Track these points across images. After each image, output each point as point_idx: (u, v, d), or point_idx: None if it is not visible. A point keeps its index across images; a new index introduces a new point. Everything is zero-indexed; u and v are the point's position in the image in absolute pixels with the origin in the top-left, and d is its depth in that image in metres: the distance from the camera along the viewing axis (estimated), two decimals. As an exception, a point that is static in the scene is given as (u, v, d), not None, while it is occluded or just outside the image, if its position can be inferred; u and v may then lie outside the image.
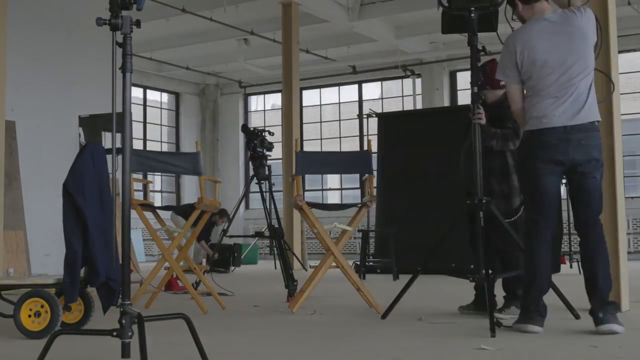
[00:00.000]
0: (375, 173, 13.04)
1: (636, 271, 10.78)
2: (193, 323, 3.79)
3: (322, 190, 20.36)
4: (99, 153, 4.90)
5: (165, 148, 20.47)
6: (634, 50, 15.09)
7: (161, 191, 20.59)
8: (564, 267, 11.34)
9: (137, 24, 3.53)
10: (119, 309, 3.41)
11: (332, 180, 20.32)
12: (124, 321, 3.36)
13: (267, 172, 7.93)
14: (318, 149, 19.75)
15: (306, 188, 20.04)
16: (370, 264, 11.68)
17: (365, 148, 6.52)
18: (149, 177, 18.53)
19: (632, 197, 15.78)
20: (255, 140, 7.82)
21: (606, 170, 5.76)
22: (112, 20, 3.46)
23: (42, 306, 4.74)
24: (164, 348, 4.26)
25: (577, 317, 5.30)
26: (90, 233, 4.76)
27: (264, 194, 8.04)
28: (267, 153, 7.95)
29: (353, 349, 4.30)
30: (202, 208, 6.40)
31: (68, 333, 3.81)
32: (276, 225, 7.94)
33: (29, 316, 4.75)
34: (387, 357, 3.97)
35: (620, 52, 15.51)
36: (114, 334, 3.37)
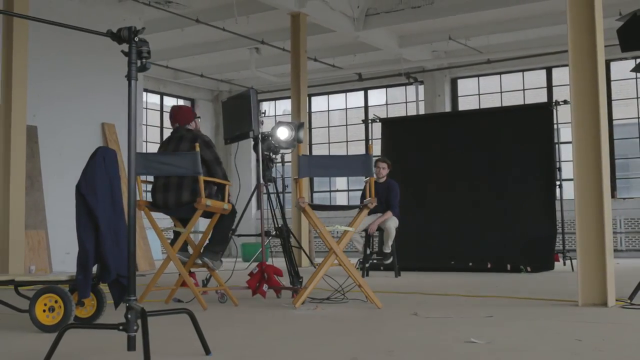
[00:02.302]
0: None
1: (628, 268, 10.80)
2: (196, 318, 3.81)
3: (330, 191, 20.37)
4: (110, 156, 4.91)
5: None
6: (626, 58, 15.04)
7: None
8: (558, 265, 11.33)
9: (139, 32, 3.54)
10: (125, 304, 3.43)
11: (340, 182, 20.33)
12: (129, 316, 3.38)
13: (273, 174, 7.91)
14: (326, 153, 19.77)
15: (315, 189, 20.06)
16: (374, 261, 11.66)
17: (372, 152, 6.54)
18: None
19: (625, 198, 15.74)
20: (262, 144, 7.81)
21: (593, 171, 5.79)
22: (117, 32, 3.48)
23: (56, 301, 4.76)
24: (168, 341, 4.27)
25: None
26: (102, 232, 4.77)
27: (271, 195, 8.02)
28: (274, 156, 7.94)
29: (350, 343, 4.30)
30: (201, 208, 6.36)
31: (78, 327, 3.82)
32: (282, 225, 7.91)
33: (44, 311, 4.77)
34: (381, 350, 3.97)
35: (613, 60, 15.58)
36: (120, 328, 3.38)
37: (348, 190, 20.18)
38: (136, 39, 3.51)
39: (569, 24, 5.99)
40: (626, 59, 15.11)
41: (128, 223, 3.51)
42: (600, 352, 3.74)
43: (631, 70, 6.90)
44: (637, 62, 6.92)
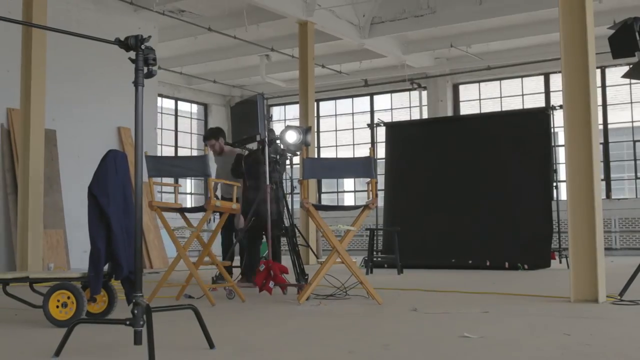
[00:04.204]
0: (384, 177, 13.10)
1: (623, 267, 10.73)
2: (203, 314, 3.83)
3: (337, 192, 20.37)
4: (121, 158, 4.93)
5: (195, 154, 20.53)
6: (621, 65, 14.99)
7: (191, 193, 20.65)
8: (554, 263, 11.31)
9: (146, 40, 3.55)
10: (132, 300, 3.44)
11: (347, 183, 20.34)
12: (136, 311, 3.39)
13: (279, 176, 7.91)
14: (333, 155, 19.77)
15: (322, 190, 20.05)
16: (378, 259, 11.67)
17: (375, 154, 6.55)
18: (180, 181, 18.59)
19: (619, 199, 15.70)
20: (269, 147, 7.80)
21: (585, 173, 5.78)
22: (125, 40, 3.50)
23: (68, 297, 4.77)
24: (174, 336, 4.28)
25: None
26: (114, 232, 4.79)
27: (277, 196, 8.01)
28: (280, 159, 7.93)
29: (349, 337, 4.30)
30: (211, 209, 6.37)
31: (87, 322, 3.84)
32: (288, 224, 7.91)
33: (57, 307, 4.79)
34: (378, 343, 3.97)
35: (608, 67, 15.52)
36: (127, 323, 3.39)
37: (355, 191, 20.17)
38: (143, 46, 3.53)
39: (561, 33, 6.01)
40: (621, 65, 15.06)
41: (135, 222, 3.53)
42: (587, 346, 3.73)
43: (622, 76, 6.89)
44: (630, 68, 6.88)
